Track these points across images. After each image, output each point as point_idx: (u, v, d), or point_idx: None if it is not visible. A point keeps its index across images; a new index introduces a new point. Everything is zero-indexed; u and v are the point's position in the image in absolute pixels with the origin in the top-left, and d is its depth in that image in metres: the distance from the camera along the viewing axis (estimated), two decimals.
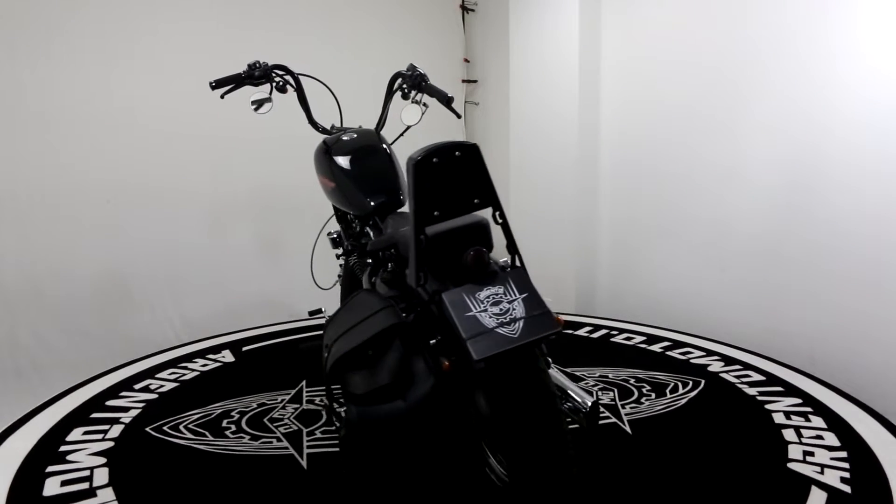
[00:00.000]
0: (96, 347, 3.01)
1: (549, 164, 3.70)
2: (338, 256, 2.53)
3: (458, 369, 1.36)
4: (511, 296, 1.34)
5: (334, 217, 2.54)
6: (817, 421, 2.07)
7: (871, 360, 2.45)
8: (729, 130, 2.94)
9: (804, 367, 2.56)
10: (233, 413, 2.17)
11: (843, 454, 1.86)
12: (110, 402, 2.25)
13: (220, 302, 3.43)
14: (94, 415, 2.15)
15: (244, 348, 2.82)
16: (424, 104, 2.35)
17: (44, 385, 2.70)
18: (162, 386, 2.39)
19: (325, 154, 2.22)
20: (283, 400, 2.28)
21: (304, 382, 2.44)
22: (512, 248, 1.44)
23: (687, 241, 3.19)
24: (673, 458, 1.88)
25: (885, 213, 2.38)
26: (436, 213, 1.35)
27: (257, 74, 2.22)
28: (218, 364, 2.62)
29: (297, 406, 2.24)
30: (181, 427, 2.06)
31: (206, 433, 2.02)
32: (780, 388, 2.36)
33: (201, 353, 2.74)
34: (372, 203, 2.05)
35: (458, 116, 2.36)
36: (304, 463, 1.86)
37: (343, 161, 2.15)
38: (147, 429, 2.05)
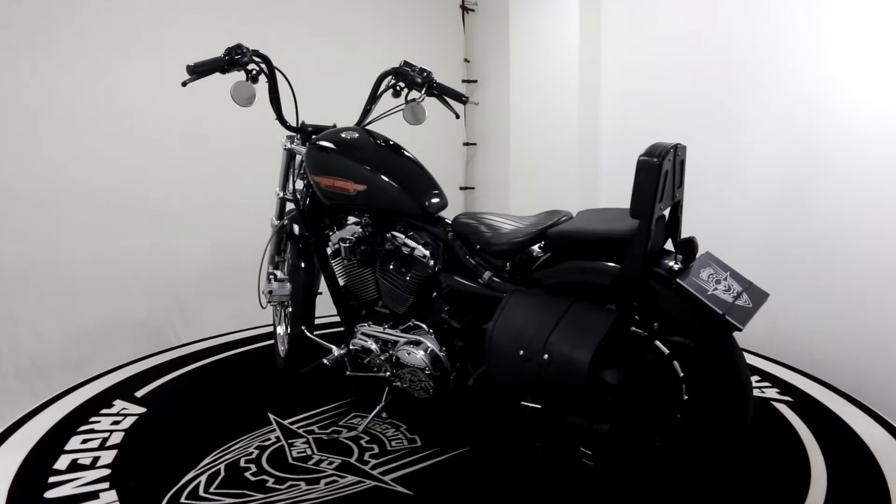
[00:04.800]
0: (96, 347, 3.01)
1: (549, 164, 3.70)
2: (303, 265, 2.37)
3: (700, 344, 1.55)
4: (721, 274, 1.56)
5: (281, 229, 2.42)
6: None
7: (871, 360, 2.44)
8: (729, 130, 2.94)
9: (804, 368, 2.56)
10: (241, 464, 1.89)
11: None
12: (52, 494, 1.72)
13: (220, 302, 3.43)
14: None
15: (137, 393, 2.40)
16: (415, 101, 2.28)
17: (44, 385, 2.70)
18: (97, 457, 1.92)
19: (334, 154, 2.10)
20: (277, 437, 2.05)
21: (269, 414, 2.20)
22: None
23: None
24: None
25: (886, 212, 2.37)
26: (660, 206, 1.50)
27: (244, 60, 2.10)
28: (132, 416, 2.20)
29: (303, 439, 2.04)
30: (201, 492, 1.73)
31: (246, 491, 1.74)
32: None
33: (89, 410, 2.24)
34: (427, 205, 1.99)
35: (457, 116, 2.34)
36: (402, 489, 1.76)
37: (375, 161, 2.05)
38: None
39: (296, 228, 2.41)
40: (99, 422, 2.17)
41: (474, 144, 4.49)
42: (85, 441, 2.03)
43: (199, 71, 2.04)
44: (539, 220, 1.87)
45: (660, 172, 1.44)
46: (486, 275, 1.85)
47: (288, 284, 2.44)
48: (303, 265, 2.38)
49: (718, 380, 1.55)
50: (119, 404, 2.31)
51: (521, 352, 1.57)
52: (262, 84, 2.19)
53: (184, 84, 2.05)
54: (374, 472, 1.84)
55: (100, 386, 2.47)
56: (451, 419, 2.16)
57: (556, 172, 3.68)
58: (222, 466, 1.87)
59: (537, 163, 3.78)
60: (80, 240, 3.05)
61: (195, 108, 3.22)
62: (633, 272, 1.52)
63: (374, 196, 2.02)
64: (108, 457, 1.92)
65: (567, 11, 3.48)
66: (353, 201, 2.07)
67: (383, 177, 2.01)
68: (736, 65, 2.88)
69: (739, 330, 1.45)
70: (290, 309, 2.48)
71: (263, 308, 2.42)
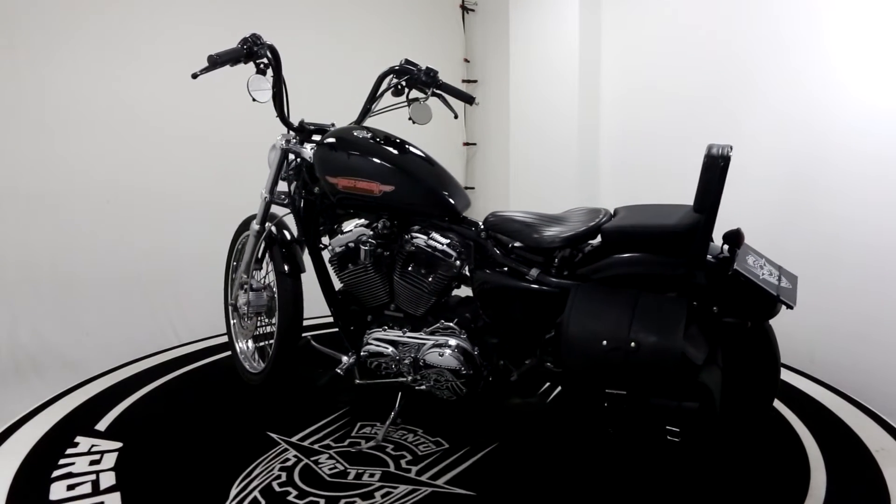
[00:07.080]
0: (96, 347, 3.01)
1: (549, 164, 3.70)
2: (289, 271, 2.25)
3: (755, 323, 1.79)
4: (760, 260, 1.71)
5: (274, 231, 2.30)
6: None
7: (871, 360, 2.44)
8: (730, 130, 2.93)
9: (804, 368, 2.56)
10: (276, 488, 1.74)
11: None
12: None
13: (220, 303, 3.43)
14: None
15: (98, 426, 2.11)
16: (418, 100, 2.26)
17: (44, 385, 2.70)
18: (100, 503, 1.69)
19: (353, 154, 2.02)
20: (295, 456, 1.92)
21: (271, 433, 2.06)
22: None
23: None
24: None
25: (888, 211, 2.37)
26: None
27: (262, 53, 2.07)
28: (109, 452, 1.94)
29: (325, 454, 1.93)
30: None
31: None
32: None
33: (52, 453, 1.93)
34: (455, 204, 1.99)
35: (456, 116, 2.34)
36: (462, 491, 1.73)
37: (401, 161, 2.00)
38: None
39: (274, 231, 2.32)
40: (73, 464, 1.87)
41: (474, 144, 4.49)
42: (71, 487, 1.75)
43: (217, 62, 2.00)
44: (584, 216, 1.93)
45: (724, 172, 1.56)
46: (534, 272, 1.85)
47: (265, 293, 2.35)
48: (287, 270, 2.25)
49: (758, 356, 1.81)
50: (84, 441, 2.00)
51: (605, 342, 1.60)
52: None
53: (194, 76, 2.00)
54: (423, 479, 1.79)
55: (47, 422, 2.14)
56: (462, 418, 2.14)
57: (556, 172, 3.67)
58: (257, 493, 1.72)
59: (537, 163, 3.78)
60: (80, 240, 3.05)
61: (196, 108, 3.22)
62: (699, 261, 1.64)
63: (404, 197, 1.98)
64: (112, 502, 1.69)
65: (567, 11, 3.48)
66: (377, 202, 2.01)
67: (413, 177, 1.99)
68: (737, 64, 2.88)
69: (791, 308, 1.60)
70: (274, 319, 2.33)
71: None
